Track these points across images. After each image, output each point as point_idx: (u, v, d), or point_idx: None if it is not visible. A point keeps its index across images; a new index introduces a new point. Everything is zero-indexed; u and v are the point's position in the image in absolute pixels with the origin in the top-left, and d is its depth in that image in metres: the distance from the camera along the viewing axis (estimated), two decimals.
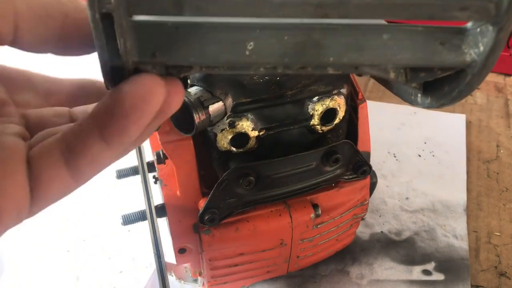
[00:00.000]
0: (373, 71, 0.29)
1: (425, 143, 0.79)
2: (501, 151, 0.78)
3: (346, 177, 0.49)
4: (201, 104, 0.36)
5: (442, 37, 0.28)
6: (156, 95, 0.23)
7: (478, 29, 0.27)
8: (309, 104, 0.42)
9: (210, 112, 0.37)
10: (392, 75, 0.30)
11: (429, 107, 0.32)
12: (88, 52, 0.26)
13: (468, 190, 0.71)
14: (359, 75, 0.31)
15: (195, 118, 0.36)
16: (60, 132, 0.24)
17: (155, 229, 0.42)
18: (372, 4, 0.24)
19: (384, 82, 0.38)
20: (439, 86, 0.31)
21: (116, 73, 0.27)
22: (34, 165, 0.23)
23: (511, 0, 0.25)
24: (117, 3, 0.23)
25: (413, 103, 0.35)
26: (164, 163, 0.46)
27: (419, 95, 0.33)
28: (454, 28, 0.28)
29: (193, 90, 0.37)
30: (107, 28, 0.24)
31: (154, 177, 0.51)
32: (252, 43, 0.26)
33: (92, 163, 0.23)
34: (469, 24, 0.28)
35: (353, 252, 0.62)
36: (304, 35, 0.27)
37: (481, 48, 0.27)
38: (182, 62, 0.26)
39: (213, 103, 0.37)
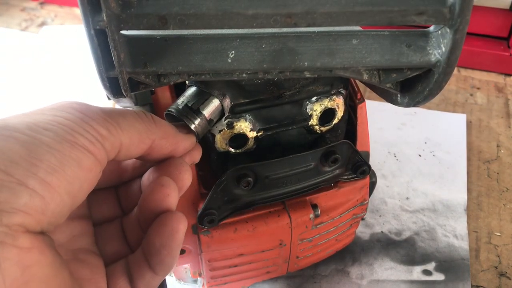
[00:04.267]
0: (347, 73, 0.31)
1: (425, 143, 0.79)
2: (502, 151, 0.78)
3: (345, 177, 0.49)
4: (190, 109, 0.36)
5: (407, 40, 0.30)
6: (179, 232, 0.30)
7: (439, 32, 0.29)
8: (307, 105, 0.42)
9: (205, 113, 0.37)
10: (365, 76, 0.32)
11: (407, 106, 0.35)
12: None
13: (469, 190, 0.71)
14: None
15: (191, 125, 0.36)
16: (126, 258, 0.32)
17: None
18: (335, 13, 0.26)
19: (371, 85, 0.40)
20: (413, 86, 0.34)
21: (113, 83, 0.29)
22: (109, 283, 0.31)
23: (463, 5, 0.26)
24: (108, 20, 0.25)
25: (395, 103, 0.37)
26: None
27: (399, 95, 0.35)
28: (419, 31, 0.31)
29: (181, 99, 0.37)
30: (102, 43, 0.27)
31: None
32: (233, 51, 0.29)
33: (147, 286, 0.31)
34: (431, 28, 0.30)
35: (353, 252, 0.62)
36: (280, 43, 0.29)
37: (443, 49, 0.29)
38: (171, 70, 0.29)
39: (204, 103, 0.37)
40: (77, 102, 0.28)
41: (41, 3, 1.17)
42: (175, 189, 0.32)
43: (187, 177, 0.33)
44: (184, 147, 0.34)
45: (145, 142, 0.30)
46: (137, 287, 0.31)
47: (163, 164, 0.33)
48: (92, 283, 0.29)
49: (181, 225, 0.30)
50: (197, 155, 0.36)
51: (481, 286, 0.58)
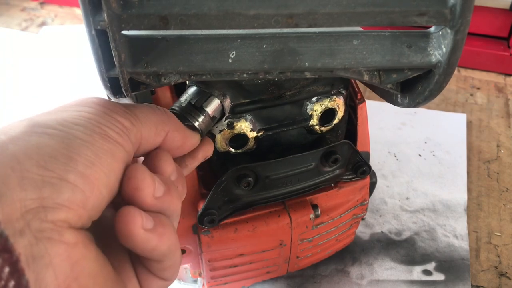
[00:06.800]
0: (347, 74, 0.31)
1: (425, 143, 0.79)
2: (502, 151, 0.78)
3: (346, 177, 0.49)
4: (194, 106, 0.36)
5: (408, 41, 0.30)
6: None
7: (440, 32, 0.29)
8: (308, 105, 0.42)
9: (208, 110, 0.37)
10: (366, 77, 0.32)
11: (408, 106, 0.35)
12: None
13: (469, 190, 0.71)
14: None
15: (194, 123, 0.36)
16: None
17: None
18: (336, 13, 0.26)
19: (372, 86, 0.40)
20: (414, 87, 0.34)
21: (113, 83, 0.29)
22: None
23: (464, 5, 0.26)
24: (109, 20, 0.25)
25: (395, 103, 0.37)
26: None
27: (399, 96, 0.35)
28: (419, 32, 0.31)
29: (183, 97, 0.37)
30: (102, 43, 0.27)
31: None
32: (234, 52, 0.29)
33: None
34: (432, 28, 0.30)
35: (353, 252, 0.62)
36: (281, 43, 0.29)
37: (444, 49, 0.29)
38: (172, 71, 0.29)
39: (206, 101, 0.37)
40: (96, 97, 0.29)
41: (41, 3, 1.17)
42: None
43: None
44: (192, 143, 0.34)
45: (160, 134, 0.31)
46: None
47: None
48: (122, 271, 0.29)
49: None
50: (209, 150, 0.37)
51: (481, 286, 0.58)
